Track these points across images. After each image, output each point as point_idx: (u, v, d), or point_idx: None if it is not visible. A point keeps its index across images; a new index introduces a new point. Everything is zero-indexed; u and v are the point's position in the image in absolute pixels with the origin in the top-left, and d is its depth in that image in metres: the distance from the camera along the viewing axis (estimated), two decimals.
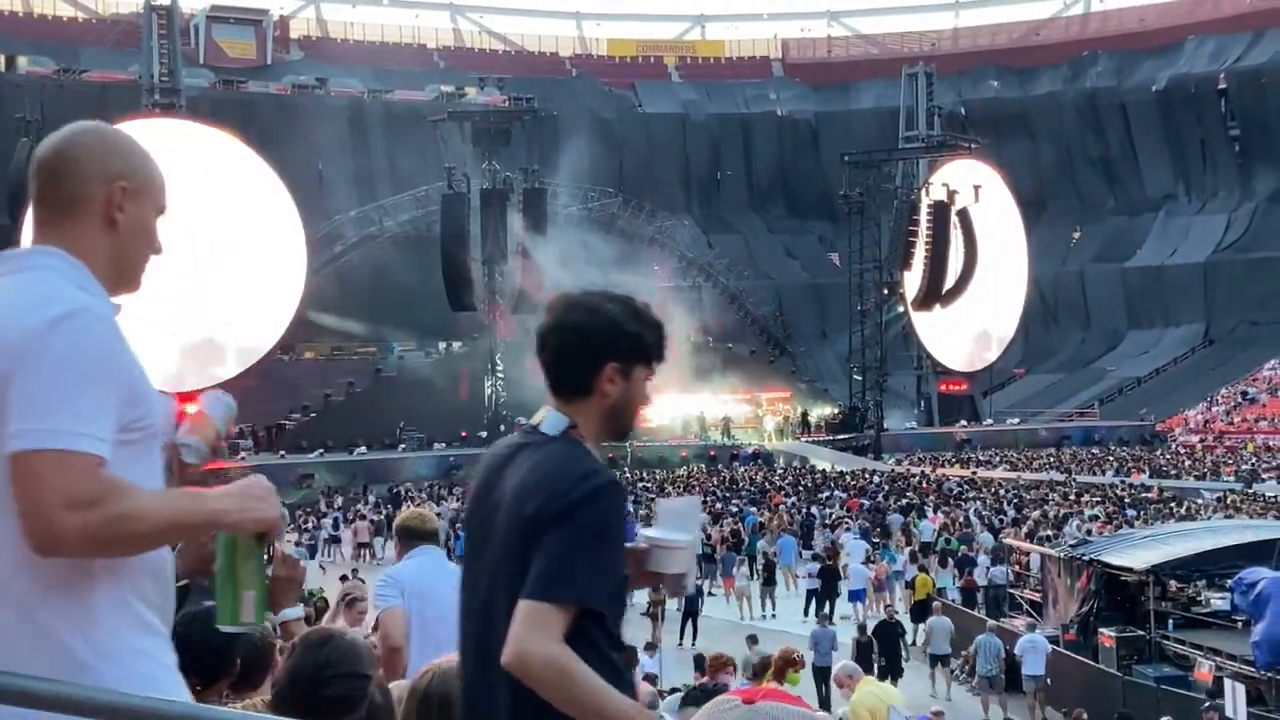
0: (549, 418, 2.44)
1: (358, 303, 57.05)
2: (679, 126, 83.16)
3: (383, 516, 33.51)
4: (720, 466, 49.71)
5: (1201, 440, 60.25)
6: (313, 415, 54.50)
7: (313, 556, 28.71)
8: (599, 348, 2.41)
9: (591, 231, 60.78)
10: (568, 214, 61.05)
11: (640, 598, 23.24)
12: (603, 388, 2.42)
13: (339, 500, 40.42)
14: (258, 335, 50.52)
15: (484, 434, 54.65)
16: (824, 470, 46.09)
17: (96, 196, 2.13)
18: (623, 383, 2.43)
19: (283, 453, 49.15)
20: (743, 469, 48.30)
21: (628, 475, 46.26)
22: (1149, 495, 34.61)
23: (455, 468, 49.16)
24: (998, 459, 51.16)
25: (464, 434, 53.28)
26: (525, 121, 60.72)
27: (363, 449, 50.91)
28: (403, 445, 52.60)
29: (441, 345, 61.88)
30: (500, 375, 54.67)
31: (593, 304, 2.45)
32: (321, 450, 49.76)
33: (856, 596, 22.74)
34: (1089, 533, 24.78)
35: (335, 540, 32.98)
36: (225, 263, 46.40)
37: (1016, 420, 65.32)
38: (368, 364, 59.33)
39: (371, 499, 40.97)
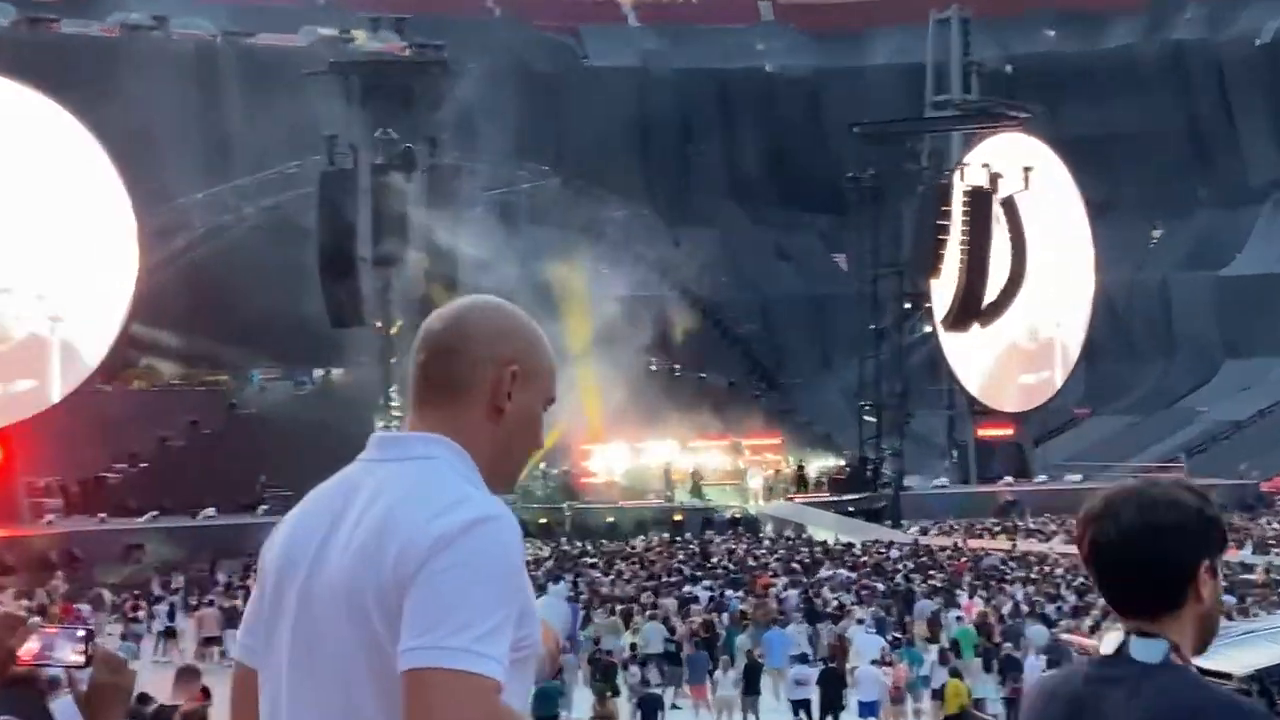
0: (1135, 643, 2.49)
1: (205, 315, 56.63)
2: (636, 85, 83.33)
3: (237, 602, 33.17)
4: (688, 536, 49.66)
5: None
6: (143, 466, 53.99)
7: (139, 657, 28.40)
8: (1196, 548, 2.52)
9: (520, 222, 60.77)
10: (488, 199, 61.00)
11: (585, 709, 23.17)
12: (1199, 592, 2.52)
13: (178, 580, 40.02)
14: (70, 358, 50.04)
15: None
16: (825, 542, 46.15)
17: (485, 380, 2.44)
18: (1212, 581, 2.53)
19: (103, 515, 48.60)
20: (719, 540, 48.27)
21: (565, 547, 46.15)
22: (1252, 577, 34.84)
23: None
24: (1053, 527, 51.40)
25: None
26: (432, 76, 60.68)
27: (210, 511, 50.47)
28: (264, 506, 52.12)
29: (317, 373, 61.57)
30: (396, 412, 54.45)
31: (1169, 496, 2.54)
32: (155, 513, 49.29)
33: (868, 711, 22.69)
34: None
35: (171, 634, 32.57)
36: (27, 259, 45.95)
37: (1078, 477, 65.59)
38: (218, 398, 58.89)
39: (222, 579, 40.57)
